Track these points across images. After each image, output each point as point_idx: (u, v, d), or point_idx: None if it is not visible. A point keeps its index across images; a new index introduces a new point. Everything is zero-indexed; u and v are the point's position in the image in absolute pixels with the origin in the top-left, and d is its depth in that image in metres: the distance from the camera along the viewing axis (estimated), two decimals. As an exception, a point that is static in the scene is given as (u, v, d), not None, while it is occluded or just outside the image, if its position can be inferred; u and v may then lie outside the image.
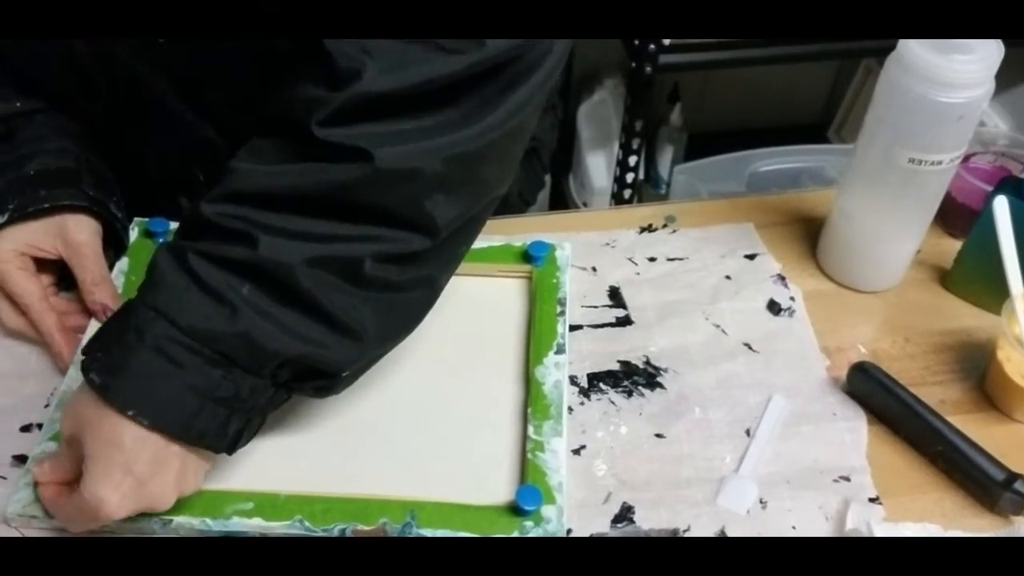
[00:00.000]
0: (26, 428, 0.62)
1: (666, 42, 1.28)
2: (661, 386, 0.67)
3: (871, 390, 0.65)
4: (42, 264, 0.67)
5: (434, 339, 0.67)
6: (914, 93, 0.62)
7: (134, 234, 0.71)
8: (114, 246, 0.70)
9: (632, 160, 1.43)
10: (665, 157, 1.65)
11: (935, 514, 0.60)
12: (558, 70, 0.56)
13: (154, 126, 0.70)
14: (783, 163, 1.59)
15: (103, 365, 0.50)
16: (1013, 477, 0.59)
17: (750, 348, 0.70)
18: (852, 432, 0.65)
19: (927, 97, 0.62)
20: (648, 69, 1.30)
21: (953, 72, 0.61)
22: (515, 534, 0.56)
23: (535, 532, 0.56)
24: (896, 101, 0.64)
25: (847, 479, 0.62)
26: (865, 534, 0.57)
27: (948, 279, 0.76)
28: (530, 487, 0.57)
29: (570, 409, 0.65)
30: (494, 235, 0.71)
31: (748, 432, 0.64)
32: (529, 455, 0.60)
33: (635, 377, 0.67)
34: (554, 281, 0.70)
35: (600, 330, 0.71)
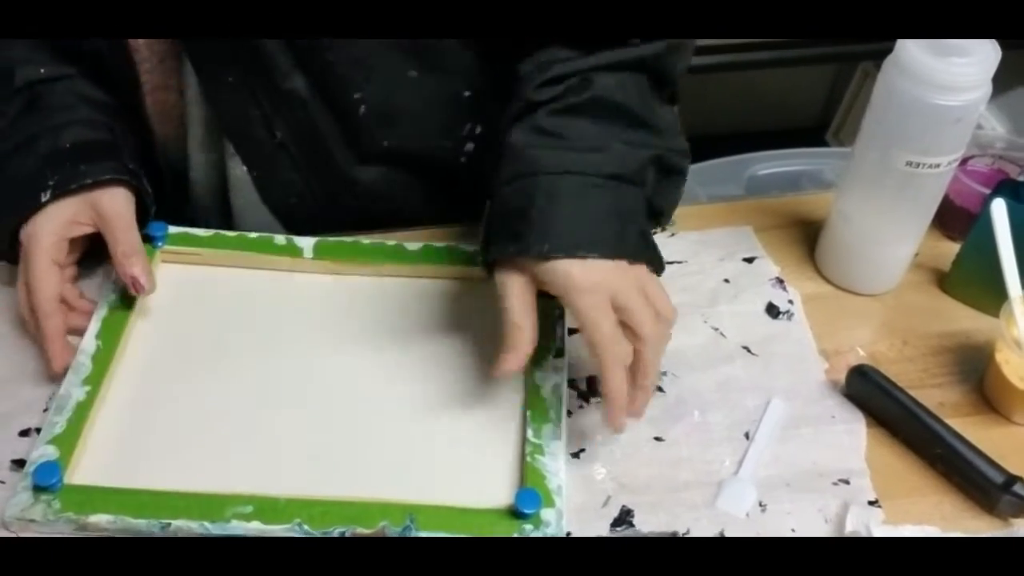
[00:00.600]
0: (24, 432, 0.62)
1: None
2: (660, 389, 0.67)
3: (870, 393, 0.65)
4: (73, 240, 0.66)
5: (433, 343, 0.67)
6: (911, 96, 0.62)
7: None
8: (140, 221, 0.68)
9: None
10: (664, 160, 1.65)
11: (934, 517, 0.60)
12: None
13: (239, 78, 0.68)
14: (782, 166, 1.59)
15: (540, 236, 0.56)
16: (1012, 480, 0.59)
17: (749, 351, 0.70)
18: (851, 435, 0.65)
19: (924, 100, 0.62)
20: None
21: (950, 75, 0.61)
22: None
23: (534, 535, 0.56)
24: (894, 104, 0.64)
25: (846, 482, 0.62)
26: (864, 537, 0.57)
27: (946, 282, 0.76)
28: (529, 490, 0.57)
29: (569, 413, 0.65)
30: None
31: (747, 435, 0.65)
32: (528, 458, 0.59)
33: (634, 380, 0.67)
34: None
35: (599, 333, 0.71)
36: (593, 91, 0.62)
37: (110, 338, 0.64)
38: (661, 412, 0.65)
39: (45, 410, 0.63)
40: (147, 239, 0.70)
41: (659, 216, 0.68)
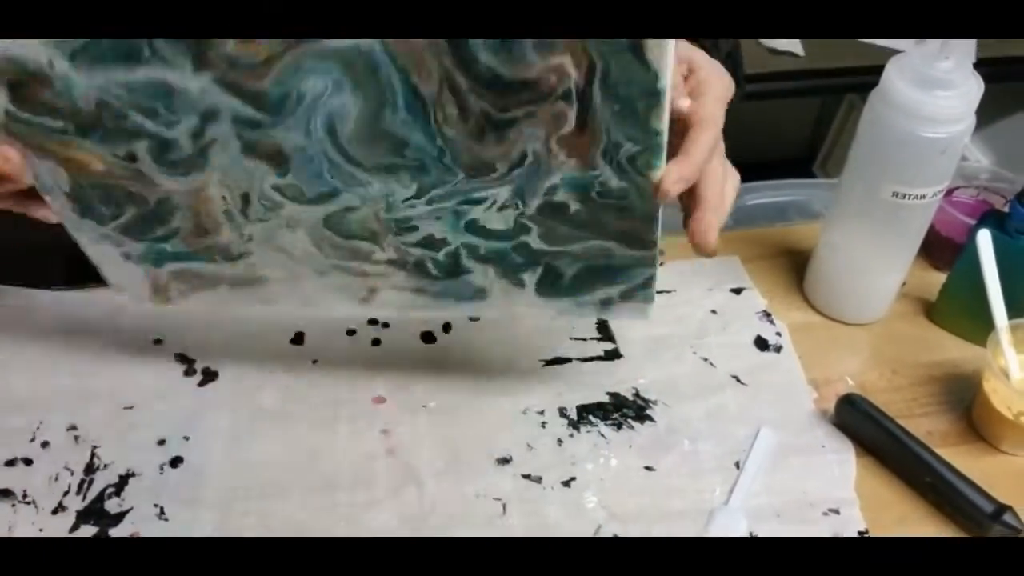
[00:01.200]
0: (11, 463, 0.62)
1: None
2: (650, 418, 0.67)
3: (859, 422, 0.66)
4: None
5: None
6: (897, 128, 0.63)
7: None
8: None
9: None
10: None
11: (924, 546, 0.60)
12: None
13: None
14: (769, 197, 1.60)
15: None
16: (1002, 509, 0.59)
17: (738, 380, 0.70)
18: (841, 464, 0.65)
19: (910, 132, 0.63)
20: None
21: (935, 107, 0.62)
22: None
23: None
24: (879, 136, 0.65)
25: (836, 512, 0.62)
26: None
27: (933, 311, 0.76)
28: None
29: (559, 441, 0.65)
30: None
31: (737, 464, 0.64)
32: None
33: (624, 409, 0.67)
34: None
35: (589, 363, 0.71)
36: None
37: None
38: (651, 441, 0.65)
39: (32, 440, 0.63)
40: None
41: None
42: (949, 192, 0.78)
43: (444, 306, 0.53)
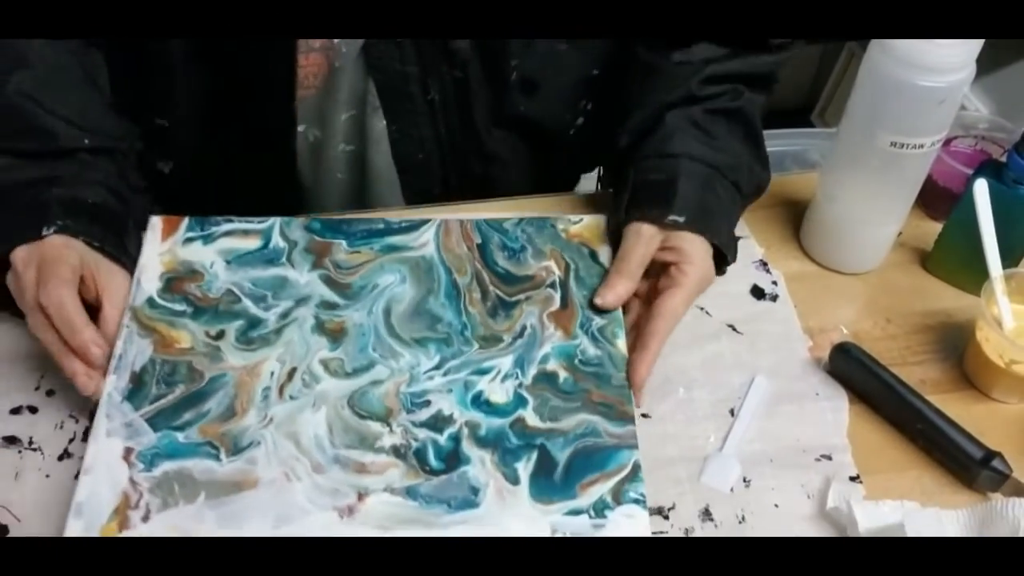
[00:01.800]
0: (16, 411, 0.62)
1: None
2: (647, 367, 0.68)
3: (853, 370, 0.66)
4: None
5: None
6: (896, 77, 0.63)
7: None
8: None
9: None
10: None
11: (914, 492, 0.62)
12: None
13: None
14: (767, 147, 1.60)
15: (680, 208, 0.66)
16: (991, 455, 0.61)
17: (734, 329, 0.71)
18: (834, 411, 0.66)
19: (909, 81, 0.63)
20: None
21: (935, 56, 0.61)
22: None
23: None
24: (878, 85, 0.65)
25: (829, 458, 0.63)
26: (845, 512, 0.58)
27: (929, 261, 0.77)
28: None
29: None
30: (485, 212, 0.72)
31: (732, 412, 0.65)
32: None
33: (621, 358, 0.69)
34: None
35: (586, 312, 0.71)
36: (742, 103, 0.72)
37: None
38: (647, 389, 0.66)
39: (36, 388, 0.63)
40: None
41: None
42: (947, 142, 0.77)
43: (431, 518, 0.56)
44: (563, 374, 0.63)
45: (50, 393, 0.63)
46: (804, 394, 0.67)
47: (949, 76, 0.62)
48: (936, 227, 0.76)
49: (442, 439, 0.59)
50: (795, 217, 0.80)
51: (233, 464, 0.57)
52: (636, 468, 0.58)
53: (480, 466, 0.58)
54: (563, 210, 0.77)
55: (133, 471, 0.57)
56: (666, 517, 0.59)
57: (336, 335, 0.64)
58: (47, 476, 0.59)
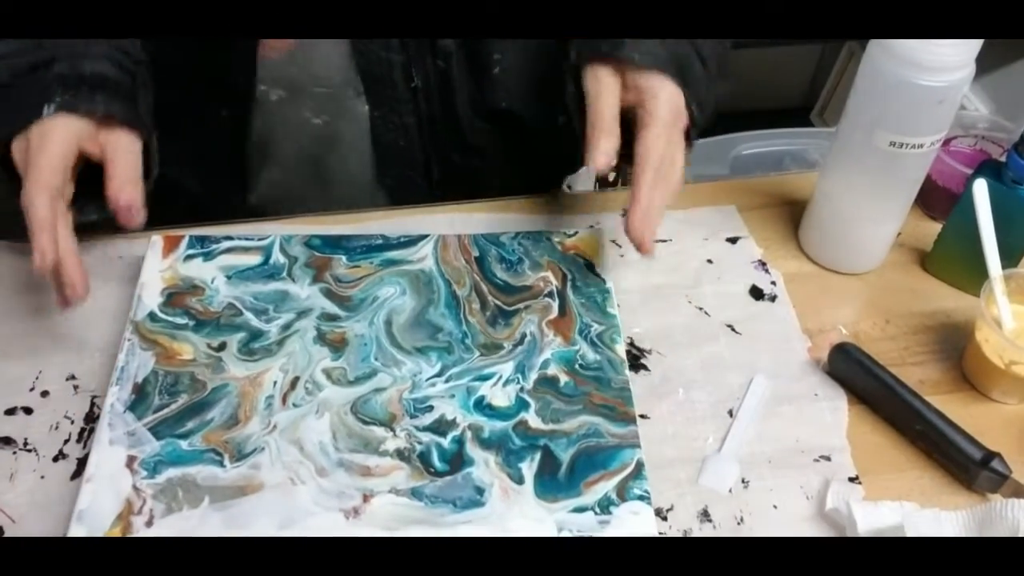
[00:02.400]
0: (11, 411, 0.62)
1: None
2: (645, 367, 0.67)
3: (852, 371, 0.66)
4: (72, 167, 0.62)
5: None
6: (895, 76, 0.63)
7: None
8: None
9: (616, 143, 1.43)
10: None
11: (913, 492, 0.61)
12: None
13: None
14: (766, 146, 1.60)
15: (633, 46, 0.63)
16: (990, 456, 0.60)
17: (733, 330, 0.71)
18: (833, 412, 0.66)
19: (908, 80, 0.62)
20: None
21: (934, 55, 0.61)
22: None
23: None
24: (878, 84, 0.65)
25: (828, 458, 0.63)
26: (844, 513, 0.58)
27: (928, 261, 0.76)
28: None
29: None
30: (479, 215, 0.72)
31: (731, 412, 0.65)
32: None
33: (619, 359, 0.69)
34: None
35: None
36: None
37: None
38: (646, 390, 0.66)
39: (31, 389, 0.63)
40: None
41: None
42: (947, 142, 0.77)
43: (437, 517, 0.56)
44: (564, 378, 0.63)
45: (45, 394, 0.63)
46: (803, 395, 0.67)
47: (949, 76, 0.62)
48: (935, 227, 0.76)
49: (446, 442, 0.59)
50: (794, 217, 0.79)
51: (237, 469, 0.57)
52: (640, 466, 0.58)
53: (484, 467, 0.58)
54: (557, 210, 0.76)
55: (136, 478, 0.57)
56: (664, 518, 0.59)
57: (338, 345, 0.64)
58: (42, 477, 0.59)
